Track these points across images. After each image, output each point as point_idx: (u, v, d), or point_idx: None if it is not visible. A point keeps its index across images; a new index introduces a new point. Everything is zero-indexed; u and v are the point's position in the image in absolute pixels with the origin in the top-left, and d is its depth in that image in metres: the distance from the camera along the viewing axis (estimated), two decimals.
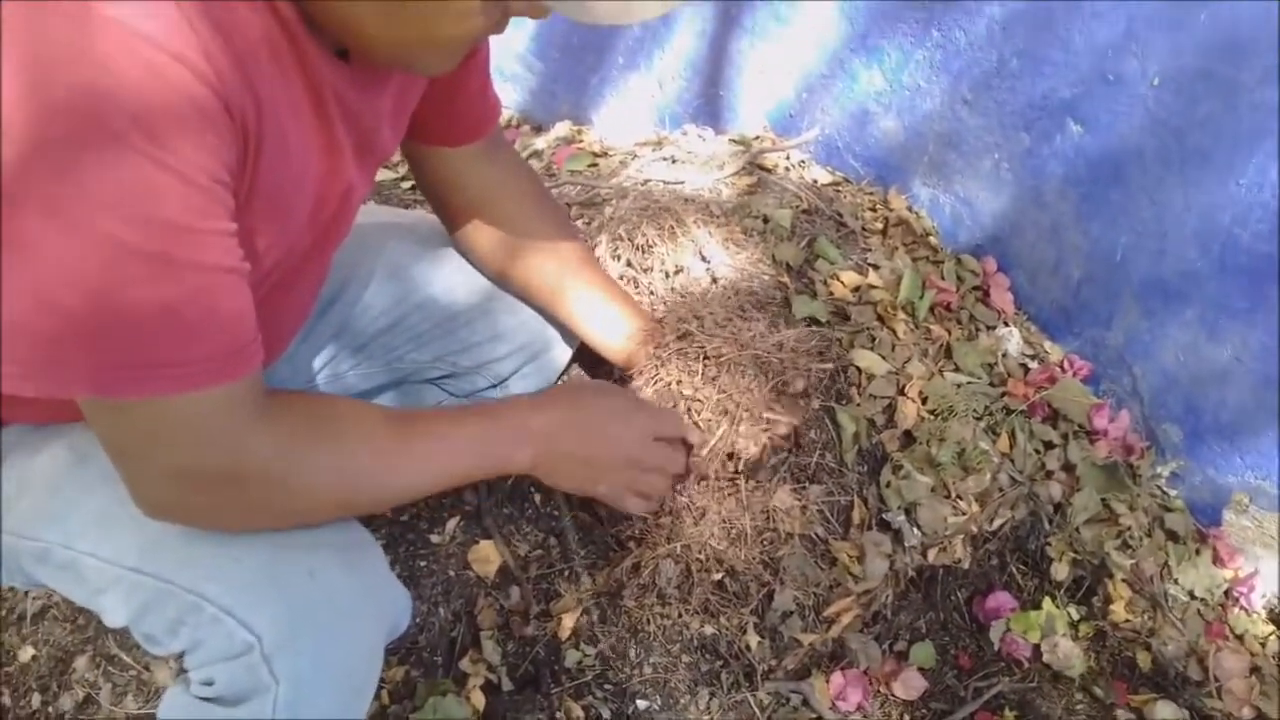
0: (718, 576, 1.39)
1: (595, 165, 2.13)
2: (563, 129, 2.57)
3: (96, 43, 0.68)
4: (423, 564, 1.42)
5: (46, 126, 0.69)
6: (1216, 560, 1.62)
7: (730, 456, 1.37)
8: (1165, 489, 1.69)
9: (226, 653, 0.93)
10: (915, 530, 1.51)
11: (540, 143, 2.49)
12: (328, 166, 0.96)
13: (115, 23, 0.69)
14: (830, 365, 1.53)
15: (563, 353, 1.52)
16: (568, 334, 1.49)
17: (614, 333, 1.39)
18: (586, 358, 1.56)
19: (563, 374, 1.58)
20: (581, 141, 2.40)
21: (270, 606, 0.93)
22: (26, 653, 1.47)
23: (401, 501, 1.28)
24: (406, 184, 2.17)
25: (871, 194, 2.00)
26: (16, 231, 0.71)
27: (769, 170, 1.97)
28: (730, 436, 1.35)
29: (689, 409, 1.35)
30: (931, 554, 1.52)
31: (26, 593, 1.50)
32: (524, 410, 1.13)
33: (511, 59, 2.85)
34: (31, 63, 0.68)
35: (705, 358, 1.37)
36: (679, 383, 1.36)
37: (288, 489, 0.92)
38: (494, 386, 1.51)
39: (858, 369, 1.60)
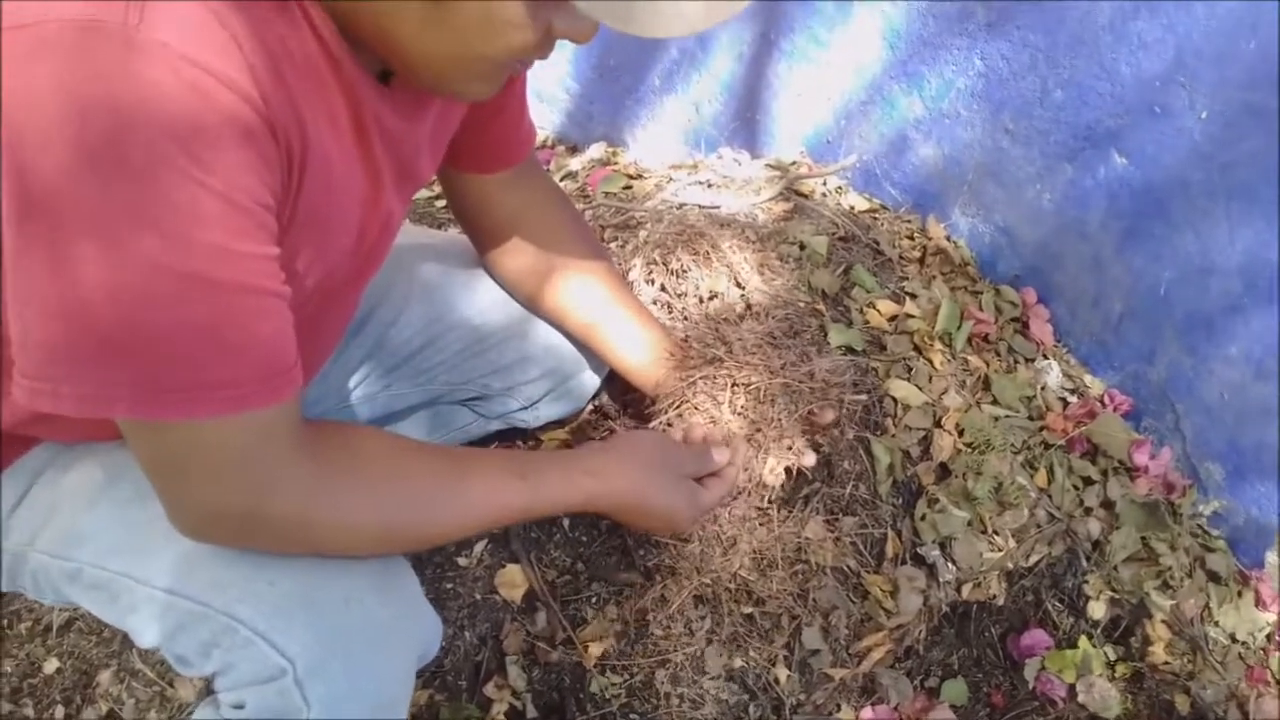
0: (747, 610, 1.37)
1: (630, 187, 2.13)
2: (597, 151, 2.57)
3: (143, 64, 0.68)
4: (449, 586, 1.41)
5: (91, 146, 0.68)
6: (1259, 603, 1.58)
7: (758, 486, 1.35)
8: (1207, 528, 1.65)
9: (259, 676, 0.92)
10: (950, 565, 1.48)
11: (575, 164, 2.49)
12: (369, 193, 0.96)
13: (162, 45, 0.68)
14: (864, 397, 1.51)
15: (591, 378, 1.52)
16: (597, 360, 1.48)
17: (643, 359, 1.38)
18: (617, 383, 1.55)
19: (593, 398, 1.57)
20: (616, 164, 2.40)
21: (304, 631, 0.92)
22: (51, 665, 1.46)
23: (443, 543, 1.29)
24: (440, 203, 2.17)
25: (909, 222, 1.98)
26: (58, 250, 0.71)
27: (805, 196, 1.96)
28: (757, 465, 1.33)
29: (712, 435, 1.34)
30: (966, 590, 1.49)
31: (53, 605, 1.50)
32: (570, 466, 1.12)
33: (549, 80, 2.85)
34: (77, 81, 0.67)
35: (735, 385, 1.36)
36: (705, 410, 1.35)
37: (322, 527, 0.91)
38: (525, 409, 1.50)
39: (893, 399, 1.58)
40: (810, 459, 1.35)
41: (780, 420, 1.34)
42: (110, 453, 1.01)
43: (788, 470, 1.34)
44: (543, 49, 0.86)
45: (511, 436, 1.58)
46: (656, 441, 1.23)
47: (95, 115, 0.68)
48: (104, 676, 1.43)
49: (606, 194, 2.08)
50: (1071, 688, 1.49)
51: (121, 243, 0.71)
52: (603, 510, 1.15)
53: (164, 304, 0.74)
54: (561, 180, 2.38)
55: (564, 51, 2.76)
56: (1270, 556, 1.60)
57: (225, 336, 0.78)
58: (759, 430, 1.33)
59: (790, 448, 1.33)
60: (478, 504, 1.02)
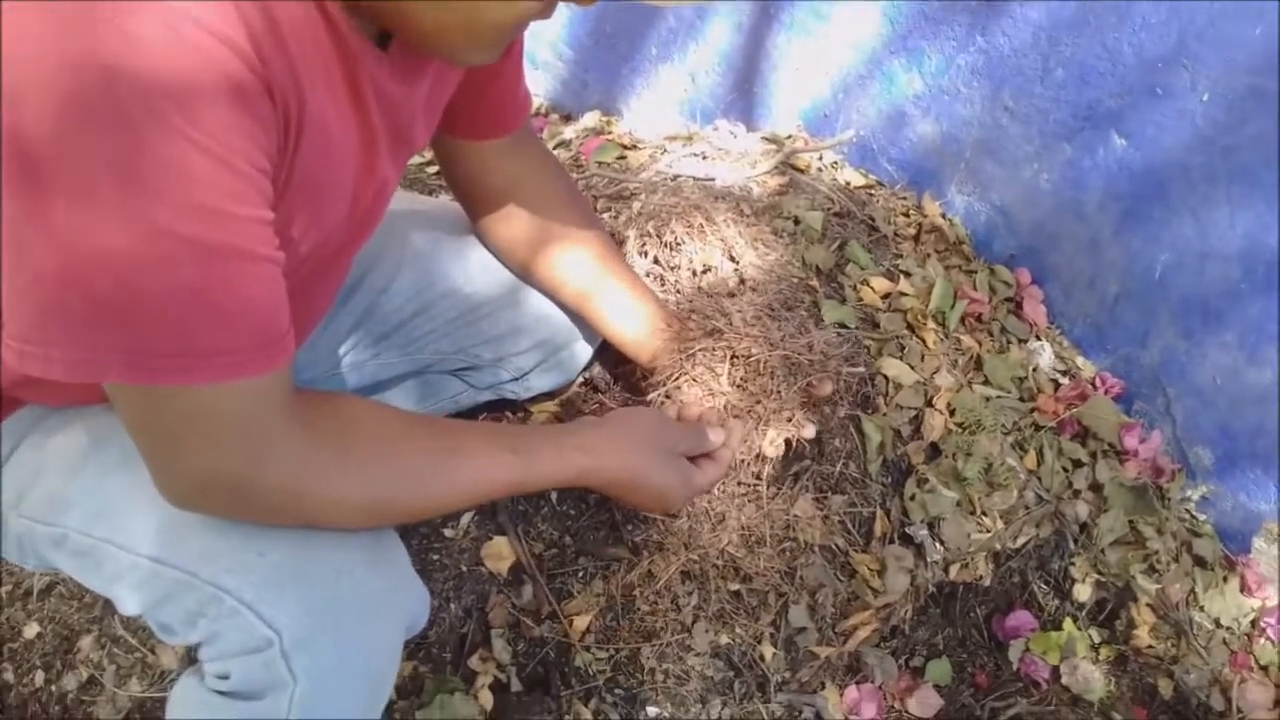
0: (735, 586, 1.36)
1: (624, 158, 2.10)
2: (592, 119, 2.54)
3: (137, 20, 0.66)
4: (435, 558, 1.40)
5: (83, 104, 0.66)
6: (1244, 589, 1.59)
7: (757, 458, 1.34)
8: (1194, 513, 1.66)
9: (245, 647, 0.91)
10: (938, 545, 1.48)
11: (569, 132, 2.46)
12: (364, 159, 0.94)
13: (160, 3, 0.66)
14: (861, 369, 1.49)
15: (584, 349, 1.51)
16: (590, 331, 1.46)
17: (639, 331, 1.37)
18: (609, 355, 1.53)
19: (584, 370, 1.56)
20: (610, 133, 2.37)
21: (292, 603, 0.91)
22: (31, 629, 1.45)
23: (433, 517, 1.28)
24: (432, 168, 2.14)
25: (905, 199, 1.97)
26: (48, 211, 0.69)
27: (801, 170, 1.94)
28: (756, 438, 1.32)
29: (712, 409, 1.32)
30: (953, 570, 1.49)
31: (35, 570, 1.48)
32: (562, 440, 1.10)
33: (543, 46, 2.82)
34: (70, 37, 0.65)
35: (734, 357, 1.34)
36: (704, 382, 1.33)
37: (314, 499, 0.89)
38: (515, 380, 1.49)
39: (885, 378, 1.57)
40: (810, 431, 1.34)
41: (779, 392, 1.33)
42: (97, 417, 0.99)
43: (787, 442, 1.33)
44: (547, 11, 0.85)
45: (501, 407, 1.57)
46: (651, 418, 1.21)
47: (87, 72, 0.66)
48: (85, 642, 1.42)
49: (600, 163, 2.05)
50: (1055, 669, 1.49)
51: (113, 203, 0.69)
52: (595, 486, 1.13)
53: (157, 267, 0.72)
54: (555, 149, 2.35)
55: (560, 18, 2.72)
56: (1257, 542, 1.60)
57: (219, 301, 0.76)
58: (758, 402, 1.32)
59: (790, 420, 1.32)
60: (469, 478, 1.00)
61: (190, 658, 1.06)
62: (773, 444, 1.31)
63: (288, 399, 0.86)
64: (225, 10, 0.69)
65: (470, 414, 1.54)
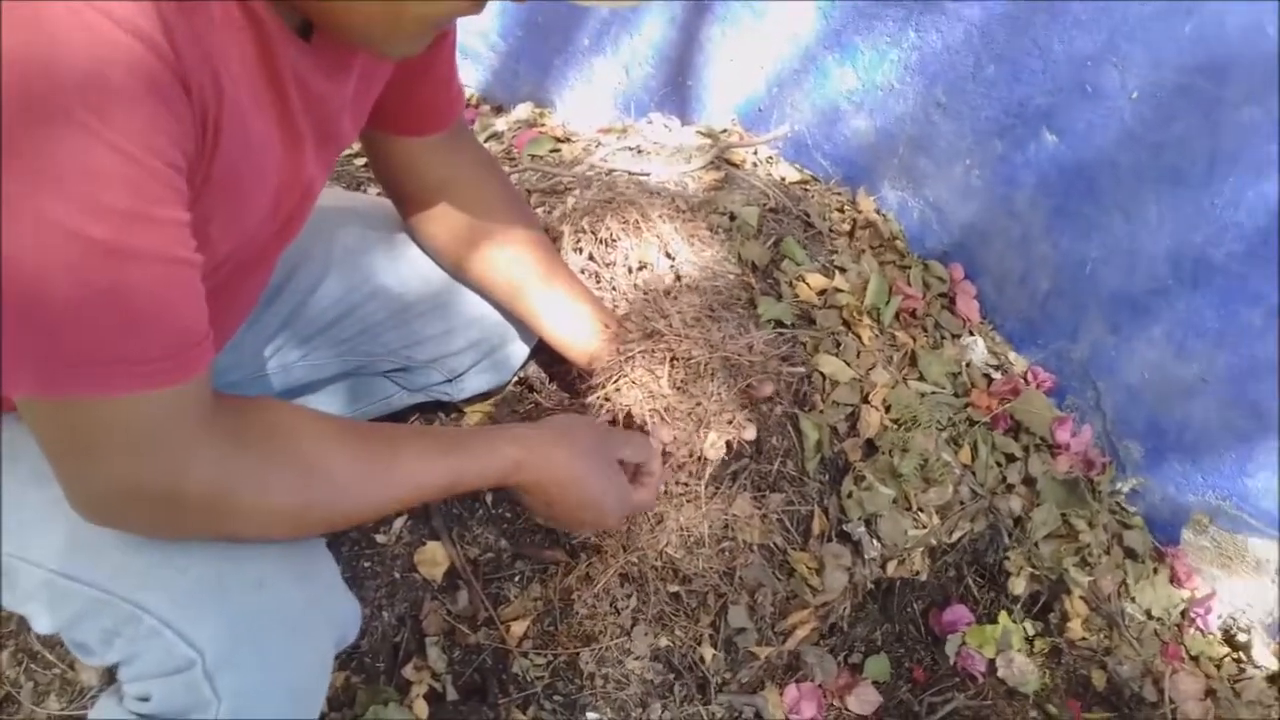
0: (674, 588, 1.35)
1: (557, 150, 2.08)
2: (524, 111, 2.51)
3: (43, 11, 0.62)
4: (366, 565, 1.37)
5: None
6: (1174, 580, 1.62)
7: (697, 460, 1.33)
8: (1125, 505, 1.68)
9: (165, 667, 0.87)
10: (875, 542, 1.48)
11: (501, 124, 2.43)
12: (288, 158, 0.90)
13: None
14: (800, 369, 1.49)
15: (520, 349, 1.48)
16: (525, 330, 1.44)
17: (576, 331, 1.34)
18: (544, 354, 1.51)
19: (519, 370, 1.53)
20: (543, 125, 2.35)
21: (214, 620, 0.88)
22: None
23: (364, 522, 1.24)
24: (360, 161, 2.09)
25: (840, 194, 1.97)
26: None
27: (736, 165, 1.93)
28: (697, 441, 1.31)
29: (654, 411, 1.31)
30: (890, 566, 1.49)
31: None
32: (494, 434, 1.08)
33: (474, 36, 2.77)
34: None
35: (674, 359, 1.33)
36: (644, 384, 1.31)
37: (234, 510, 0.85)
38: (449, 381, 1.46)
39: (822, 375, 1.57)
40: (751, 432, 1.33)
41: (720, 394, 1.32)
42: (7, 430, 0.94)
43: (728, 444, 1.32)
44: (476, 8, 0.82)
45: (434, 409, 1.53)
46: (590, 424, 1.19)
47: None
48: (2, 657, 1.36)
49: (533, 157, 2.02)
50: (991, 663, 1.50)
51: (18, 206, 0.65)
52: (527, 482, 1.09)
53: (66, 272, 0.68)
54: (487, 140, 2.32)
55: (491, 7, 2.67)
56: (1186, 534, 1.63)
57: (133, 307, 0.72)
58: (698, 404, 1.30)
59: (730, 421, 1.31)
60: (400, 480, 0.97)
61: (110, 675, 1.02)
62: (713, 446, 1.30)
63: (207, 406, 0.82)
64: (138, 3, 0.66)
65: (402, 416, 1.51)
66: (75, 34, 0.63)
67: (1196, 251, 1.49)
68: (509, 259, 1.32)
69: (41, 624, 0.93)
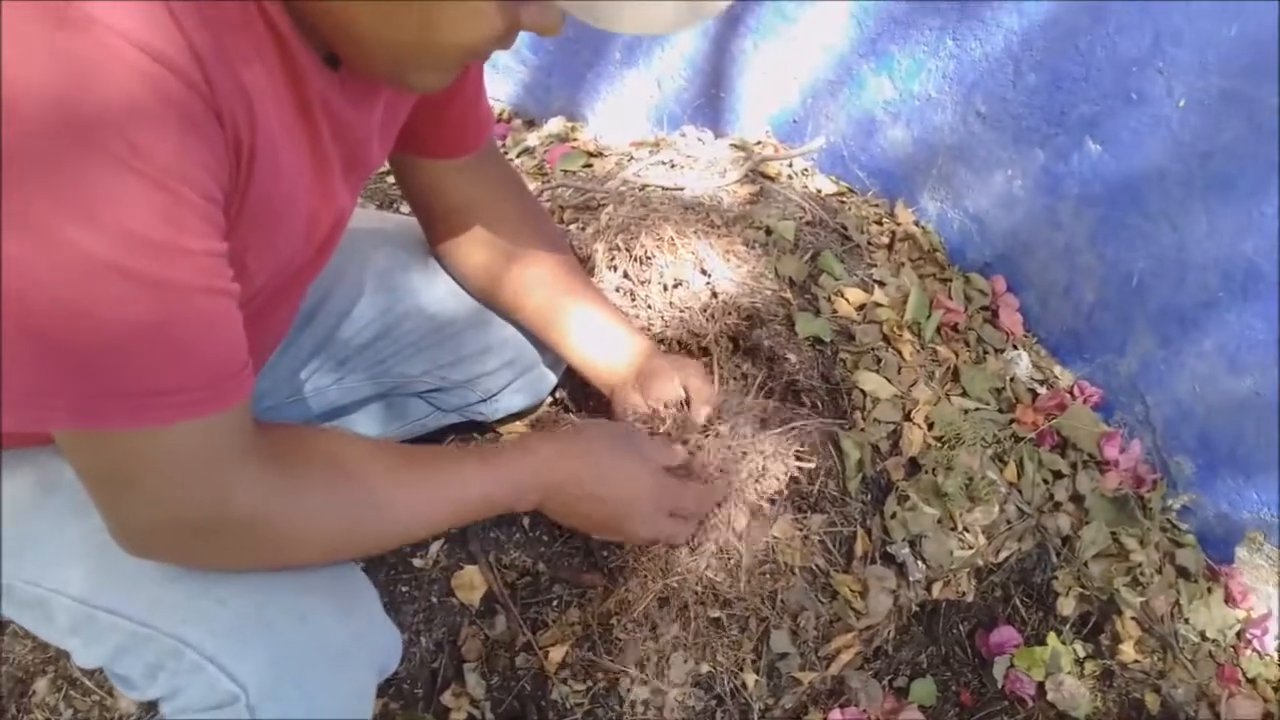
0: (714, 613, 1.33)
1: (590, 165, 2.06)
2: (556, 125, 2.50)
3: (77, 44, 0.62)
4: (404, 589, 1.35)
5: (21, 134, 0.62)
6: (1229, 600, 1.57)
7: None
8: (1176, 523, 1.64)
9: (208, 702, 0.87)
10: (920, 564, 1.45)
11: (533, 139, 2.42)
12: (319, 186, 0.90)
13: (97, 22, 0.62)
14: (810, 464, 1.43)
15: (557, 366, 1.46)
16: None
17: (605, 361, 1.34)
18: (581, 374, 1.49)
19: (553, 388, 1.51)
20: (575, 140, 2.33)
21: (257, 654, 0.87)
22: None
23: (398, 546, 1.24)
24: (392, 179, 2.08)
25: (877, 206, 1.94)
26: None
27: (771, 178, 1.90)
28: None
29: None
30: (936, 588, 1.46)
31: None
32: (528, 450, 1.08)
33: (505, 52, 2.76)
34: (5, 64, 0.61)
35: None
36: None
37: (276, 537, 0.86)
38: (484, 401, 1.45)
39: (862, 392, 1.54)
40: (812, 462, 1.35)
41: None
42: (46, 460, 0.94)
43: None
44: (506, 41, 0.80)
45: (469, 430, 1.52)
46: (616, 425, 1.19)
47: (25, 101, 0.61)
48: (40, 685, 1.36)
49: (565, 172, 2.01)
50: (1040, 685, 1.46)
51: (56, 240, 0.65)
52: (549, 485, 1.09)
53: (105, 305, 0.67)
54: (519, 156, 2.31)
55: None
56: (1240, 552, 1.58)
57: (172, 339, 0.72)
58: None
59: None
60: (439, 506, 0.98)
61: (150, 704, 1.01)
62: (776, 478, 1.30)
63: (247, 435, 0.82)
64: (168, 30, 0.65)
65: (438, 436, 1.50)
66: (108, 66, 0.62)
67: (1247, 262, 1.45)
68: (536, 287, 1.31)
69: (84, 658, 0.93)
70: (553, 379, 1.47)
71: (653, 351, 1.33)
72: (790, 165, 1.98)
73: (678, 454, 1.24)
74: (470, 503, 1.01)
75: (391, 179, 2.06)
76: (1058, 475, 1.60)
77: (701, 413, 1.30)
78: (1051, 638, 1.50)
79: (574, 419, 1.49)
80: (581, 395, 1.52)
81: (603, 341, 1.32)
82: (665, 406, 1.28)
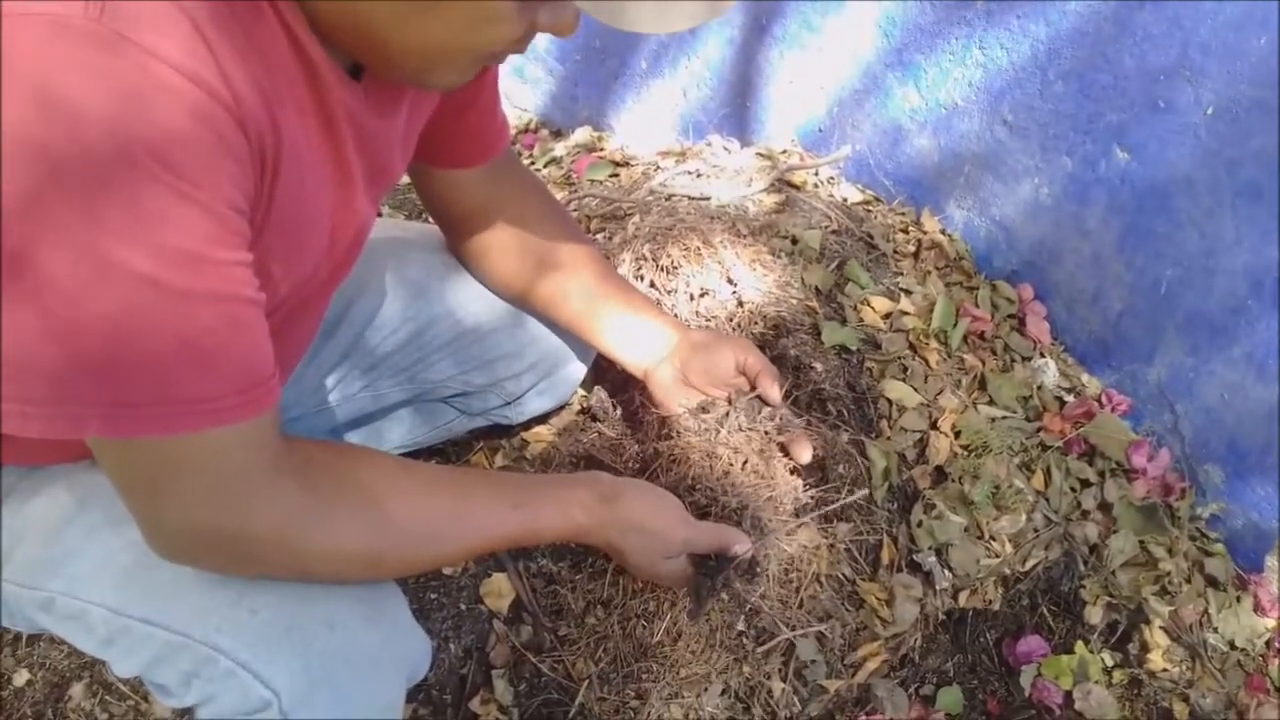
0: (741, 625, 1.33)
1: (616, 175, 2.08)
2: (583, 135, 2.51)
3: (109, 64, 0.63)
4: (433, 596, 1.37)
5: (57, 152, 0.63)
6: (1258, 609, 1.56)
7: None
8: (1205, 532, 1.63)
9: (242, 709, 0.88)
10: (946, 572, 1.45)
11: (559, 149, 2.43)
12: (342, 197, 0.91)
13: (128, 42, 0.64)
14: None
15: (578, 368, 1.49)
16: (582, 349, 1.44)
17: (641, 351, 1.35)
18: (607, 384, 1.51)
19: (575, 389, 1.53)
20: (602, 149, 2.35)
21: (289, 661, 0.88)
22: (22, 676, 1.41)
23: (430, 569, 1.27)
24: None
25: (903, 214, 1.94)
26: (26, 262, 0.66)
27: (797, 187, 1.91)
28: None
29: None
30: (962, 596, 1.46)
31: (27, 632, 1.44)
32: (565, 496, 1.08)
33: (532, 61, 2.79)
34: (42, 84, 0.62)
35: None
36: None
37: (303, 552, 0.86)
38: (508, 404, 1.46)
39: (888, 400, 1.54)
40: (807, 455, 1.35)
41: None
42: (79, 475, 0.96)
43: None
44: (523, 43, 0.82)
45: (495, 434, 1.53)
46: (664, 502, 1.18)
47: (59, 119, 0.63)
48: (76, 690, 1.38)
49: (592, 181, 2.03)
50: (1068, 694, 1.46)
51: (89, 252, 0.66)
52: (593, 544, 1.13)
53: (136, 316, 0.69)
54: (545, 166, 2.33)
55: None
56: (1270, 561, 1.57)
57: (201, 348, 0.73)
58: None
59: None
60: (470, 532, 0.99)
61: (187, 712, 1.03)
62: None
63: (274, 444, 0.83)
64: (195, 47, 0.67)
65: (464, 440, 1.51)
66: (136, 82, 0.64)
67: (1276, 269, 1.45)
68: (568, 286, 1.32)
69: (122, 668, 0.94)
70: (577, 379, 1.49)
71: (690, 336, 1.34)
72: (816, 174, 1.99)
73: (727, 539, 1.23)
74: (499, 541, 1.02)
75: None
76: (1085, 484, 1.60)
77: (772, 391, 1.32)
78: (1079, 646, 1.49)
79: (600, 427, 1.50)
80: (609, 405, 1.53)
81: (637, 338, 1.34)
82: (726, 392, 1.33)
